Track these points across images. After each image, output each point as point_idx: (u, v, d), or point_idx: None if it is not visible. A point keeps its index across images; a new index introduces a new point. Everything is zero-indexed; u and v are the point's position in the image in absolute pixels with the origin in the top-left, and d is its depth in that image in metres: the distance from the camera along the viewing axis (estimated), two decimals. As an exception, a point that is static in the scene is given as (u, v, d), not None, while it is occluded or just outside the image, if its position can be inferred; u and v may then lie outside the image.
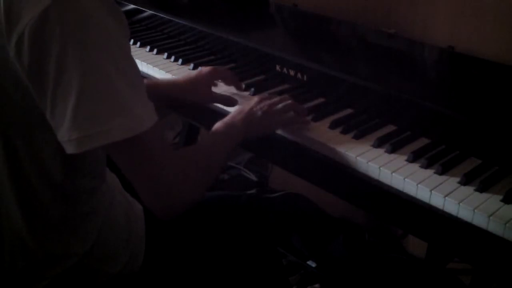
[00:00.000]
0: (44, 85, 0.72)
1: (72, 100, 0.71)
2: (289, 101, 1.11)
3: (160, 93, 1.20)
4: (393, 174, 0.97)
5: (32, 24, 0.69)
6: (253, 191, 1.22)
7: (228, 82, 1.27)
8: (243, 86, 1.27)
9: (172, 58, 1.46)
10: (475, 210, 0.87)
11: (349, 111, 1.19)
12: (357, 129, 1.10)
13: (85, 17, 0.70)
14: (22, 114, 0.78)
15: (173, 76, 1.35)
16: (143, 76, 1.42)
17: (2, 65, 0.73)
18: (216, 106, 1.25)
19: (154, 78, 1.40)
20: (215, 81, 1.26)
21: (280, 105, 1.09)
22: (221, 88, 1.28)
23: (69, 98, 0.71)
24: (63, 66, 0.70)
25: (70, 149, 0.74)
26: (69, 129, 0.72)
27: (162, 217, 0.85)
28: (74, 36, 0.70)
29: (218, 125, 1.01)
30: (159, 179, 0.80)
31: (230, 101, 1.22)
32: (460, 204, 0.89)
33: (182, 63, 1.43)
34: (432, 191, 0.92)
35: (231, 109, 1.21)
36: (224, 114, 1.21)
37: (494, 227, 0.85)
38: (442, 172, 0.97)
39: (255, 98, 1.11)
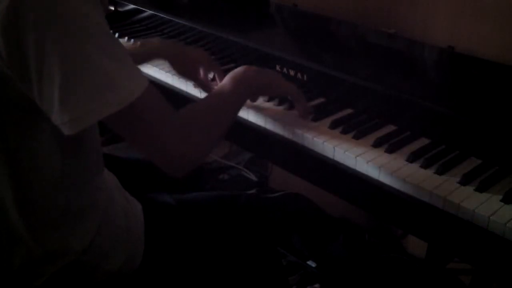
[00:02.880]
0: (27, 73, 0.72)
1: (57, 84, 0.71)
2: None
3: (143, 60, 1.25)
4: (393, 174, 0.97)
5: (3, 14, 0.68)
6: (253, 191, 1.22)
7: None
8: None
9: (172, 58, 1.46)
10: (475, 210, 0.87)
11: (349, 111, 1.19)
12: (357, 129, 1.10)
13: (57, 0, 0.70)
14: (15, 105, 0.77)
15: (173, 76, 1.36)
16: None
17: None
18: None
19: (154, 78, 1.40)
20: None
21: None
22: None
23: (54, 82, 0.71)
24: (42, 51, 0.70)
25: (66, 131, 0.74)
26: (60, 112, 0.72)
27: (172, 174, 0.87)
28: (48, 20, 0.69)
29: (226, 79, 1.01)
30: (161, 140, 0.81)
31: (209, 89, 1.26)
32: (460, 204, 0.89)
33: (182, 63, 1.43)
34: (432, 191, 0.92)
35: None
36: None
37: (494, 227, 0.85)
38: (442, 172, 0.97)
39: None
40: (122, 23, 1.72)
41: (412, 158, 1.01)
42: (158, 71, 1.40)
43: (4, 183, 0.83)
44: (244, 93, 1.02)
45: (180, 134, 0.84)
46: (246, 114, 1.19)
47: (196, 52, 1.29)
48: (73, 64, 0.71)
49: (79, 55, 0.71)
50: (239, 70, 1.05)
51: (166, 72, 1.38)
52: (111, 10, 1.76)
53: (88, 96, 0.72)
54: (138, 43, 1.29)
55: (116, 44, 0.77)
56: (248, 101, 1.17)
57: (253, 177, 2.15)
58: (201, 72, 1.27)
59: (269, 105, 1.21)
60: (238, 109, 0.99)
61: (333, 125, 1.12)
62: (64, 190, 0.87)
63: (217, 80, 1.28)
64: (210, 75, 1.30)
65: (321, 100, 1.23)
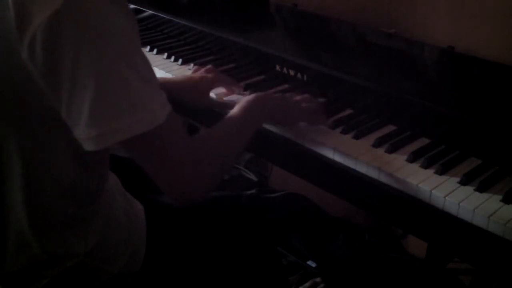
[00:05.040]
0: (59, 85, 0.72)
1: (88, 99, 0.72)
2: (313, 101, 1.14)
3: None
4: (393, 174, 0.97)
5: (44, 26, 0.69)
6: (253, 191, 1.21)
7: (228, 88, 1.28)
8: (242, 89, 1.28)
9: (172, 58, 1.46)
10: (475, 210, 0.87)
11: (349, 111, 1.19)
12: (357, 129, 1.10)
13: (96, 15, 0.71)
14: (37, 114, 0.78)
15: (173, 76, 1.35)
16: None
17: (15, 66, 0.74)
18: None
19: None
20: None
21: (304, 103, 1.11)
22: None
23: (85, 97, 0.72)
24: (77, 66, 0.71)
25: (89, 146, 0.75)
26: (88, 127, 0.73)
27: (180, 204, 0.87)
28: (86, 36, 0.70)
29: (239, 107, 1.00)
30: (175, 168, 0.81)
31: (228, 107, 1.22)
32: (460, 204, 0.89)
33: (182, 63, 1.43)
34: (432, 191, 0.92)
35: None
36: (225, 115, 1.22)
37: (494, 227, 0.85)
38: (442, 172, 0.97)
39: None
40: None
41: (412, 158, 1.01)
42: (158, 71, 1.40)
43: (16, 185, 0.83)
44: (255, 120, 1.00)
45: (193, 162, 0.83)
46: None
47: (202, 76, 1.25)
48: (107, 81, 0.72)
49: (114, 73, 0.72)
50: (250, 97, 1.03)
51: (166, 72, 1.38)
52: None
53: (119, 114, 0.73)
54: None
55: (147, 64, 0.78)
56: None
57: (253, 177, 2.14)
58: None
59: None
60: (249, 137, 0.97)
61: (333, 125, 1.12)
62: (74, 195, 0.87)
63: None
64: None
65: (321, 100, 1.23)
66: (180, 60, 1.43)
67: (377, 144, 1.05)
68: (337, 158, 1.04)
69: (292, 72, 1.29)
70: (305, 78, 1.27)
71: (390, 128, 1.12)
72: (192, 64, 1.41)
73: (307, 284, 1.61)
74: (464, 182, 0.94)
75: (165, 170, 0.81)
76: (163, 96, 0.79)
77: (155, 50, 1.50)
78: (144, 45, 1.54)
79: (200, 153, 0.85)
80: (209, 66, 1.28)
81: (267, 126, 1.14)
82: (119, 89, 0.73)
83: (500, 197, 0.90)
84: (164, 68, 1.40)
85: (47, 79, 0.73)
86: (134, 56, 0.76)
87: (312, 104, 1.13)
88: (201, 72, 1.27)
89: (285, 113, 1.09)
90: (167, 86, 1.22)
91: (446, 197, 0.90)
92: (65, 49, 0.70)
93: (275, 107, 1.06)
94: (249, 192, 1.20)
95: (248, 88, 1.27)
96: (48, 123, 0.78)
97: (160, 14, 1.63)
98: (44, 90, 0.74)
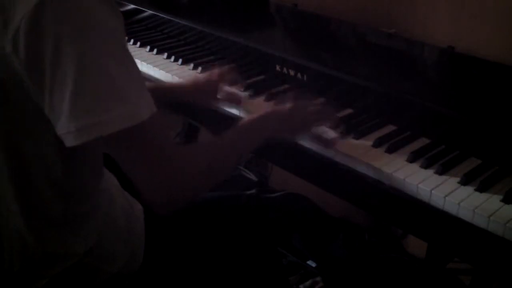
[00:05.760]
0: (42, 79, 0.71)
1: (69, 92, 0.71)
2: (326, 111, 1.11)
3: (164, 95, 1.20)
4: (393, 174, 0.97)
5: (27, 19, 0.69)
6: (253, 191, 1.21)
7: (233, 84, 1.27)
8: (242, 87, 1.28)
9: (172, 58, 1.46)
10: (475, 210, 0.87)
11: (349, 111, 1.19)
12: (357, 129, 1.10)
13: (79, 8, 0.70)
14: (24, 110, 0.77)
15: (173, 76, 1.35)
16: (144, 77, 1.42)
17: (2, 63, 0.73)
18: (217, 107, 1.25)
19: (154, 78, 1.40)
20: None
21: (316, 115, 1.08)
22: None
23: (66, 90, 0.71)
24: (58, 58, 0.70)
25: (69, 141, 0.73)
26: (67, 121, 0.72)
27: (160, 211, 0.84)
28: (68, 29, 0.69)
29: (240, 124, 0.99)
30: (157, 172, 0.79)
31: (235, 100, 1.23)
32: (460, 204, 0.89)
33: (182, 63, 1.43)
34: (432, 191, 0.92)
35: (233, 110, 1.22)
36: (225, 115, 1.22)
37: (494, 227, 0.85)
38: (442, 172, 0.97)
39: (290, 103, 1.06)
40: (122, 23, 1.71)
41: (412, 158, 1.01)
42: (158, 71, 1.40)
43: (7, 184, 0.83)
44: (253, 141, 0.99)
45: (178, 170, 0.81)
46: (246, 115, 1.19)
47: (208, 77, 1.23)
48: (88, 74, 0.71)
49: (95, 66, 0.71)
50: (252, 117, 1.01)
51: (166, 72, 1.38)
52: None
53: (99, 107, 0.71)
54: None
55: (131, 61, 0.77)
56: (247, 101, 1.17)
57: (253, 177, 2.14)
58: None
59: (268, 105, 1.21)
60: (245, 155, 0.95)
61: (333, 125, 1.12)
62: (67, 193, 0.87)
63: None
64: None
65: (321, 100, 1.23)
66: (180, 60, 1.43)
67: (377, 144, 1.05)
68: (337, 158, 1.04)
69: (292, 72, 1.29)
70: (305, 78, 1.27)
71: (390, 128, 1.12)
72: (192, 64, 1.41)
73: (307, 283, 1.61)
74: (464, 182, 0.94)
75: (145, 170, 0.78)
76: (148, 95, 0.77)
77: (155, 50, 1.50)
78: (144, 45, 1.54)
79: (187, 159, 0.83)
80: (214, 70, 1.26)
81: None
82: (100, 82, 0.71)
83: (500, 197, 0.90)
84: (164, 68, 1.40)
85: (30, 72, 0.72)
86: (118, 50, 0.74)
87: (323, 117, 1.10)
88: (207, 75, 1.25)
89: (290, 129, 1.06)
90: (172, 91, 1.22)
91: (446, 197, 0.90)
92: (47, 40, 0.69)
93: (279, 125, 1.04)
94: (249, 192, 1.20)
95: (248, 88, 1.27)
96: (36, 121, 0.77)
97: (160, 14, 1.63)
98: (29, 85, 0.73)
